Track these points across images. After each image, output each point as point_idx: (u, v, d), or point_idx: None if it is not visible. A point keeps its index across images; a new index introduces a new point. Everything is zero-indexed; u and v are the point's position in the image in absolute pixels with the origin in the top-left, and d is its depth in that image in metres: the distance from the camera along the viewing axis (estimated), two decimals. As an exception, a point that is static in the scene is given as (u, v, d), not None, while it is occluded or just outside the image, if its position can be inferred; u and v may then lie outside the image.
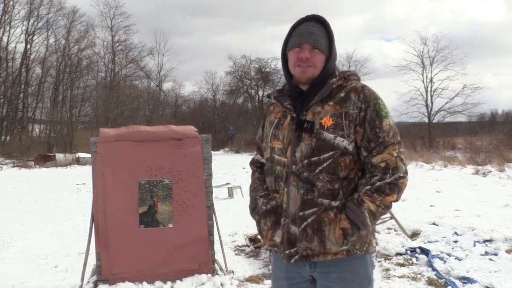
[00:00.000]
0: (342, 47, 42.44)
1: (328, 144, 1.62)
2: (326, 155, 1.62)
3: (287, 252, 1.67)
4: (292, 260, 1.67)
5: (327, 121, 1.64)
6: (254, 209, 1.83)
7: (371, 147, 1.63)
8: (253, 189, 1.90)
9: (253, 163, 2.01)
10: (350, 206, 1.61)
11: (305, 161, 1.64)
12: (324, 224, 1.61)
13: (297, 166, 1.65)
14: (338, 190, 1.63)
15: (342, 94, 1.68)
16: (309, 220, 1.62)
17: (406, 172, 1.64)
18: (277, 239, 1.72)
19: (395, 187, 1.60)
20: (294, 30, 1.75)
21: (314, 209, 1.62)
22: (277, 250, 1.75)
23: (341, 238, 1.60)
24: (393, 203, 1.66)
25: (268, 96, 1.89)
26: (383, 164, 1.61)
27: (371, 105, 1.64)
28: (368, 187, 1.61)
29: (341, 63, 37.96)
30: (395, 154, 1.62)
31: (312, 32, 1.70)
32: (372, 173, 1.63)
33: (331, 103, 1.67)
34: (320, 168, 1.63)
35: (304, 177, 1.64)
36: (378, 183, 1.60)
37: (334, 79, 1.70)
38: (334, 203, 1.62)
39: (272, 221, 1.74)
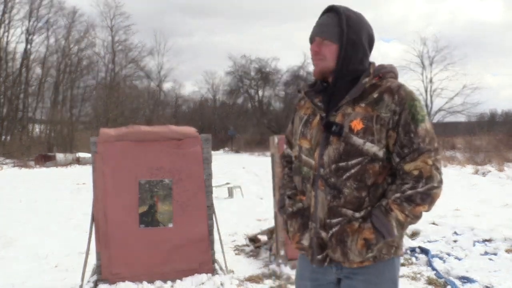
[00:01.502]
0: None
1: (357, 149, 1.53)
2: (354, 161, 1.53)
3: (319, 257, 1.62)
4: (325, 264, 1.62)
5: (357, 125, 1.53)
6: (282, 207, 1.78)
7: (404, 153, 1.51)
8: (282, 185, 1.82)
9: (283, 157, 1.91)
10: (377, 213, 1.52)
11: (333, 166, 1.56)
12: (347, 235, 1.55)
13: (325, 170, 1.57)
14: (365, 198, 1.55)
15: (375, 95, 1.55)
16: (334, 229, 1.58)
17: (441, 182, 1.52)
18: (305, 242, 1.66)
19: (428, 197, 1.49)
20: None
21: (338, 219, 1.57)
22: (305, 254, 1.69)
23: (363, 249, 1.52)
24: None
25: (299, 90, 1.79)
26: (416, 172, 1.50)
27: (406, 107, 1.51)
28: (398, 195, 1.50)
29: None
30: (430, 162, 1.50)
31: (320, 23, 1.64)
32: (404, 180, 1.51)
33: (363, 105, 1.55)
34: (347, 174, 1.54)
35: (332, 182, 1.56)
36: (409, 192, 1.49)
37: (367, 79, 1.57)
38: (358, 214, 1.55)
39: (300, 223, 1.68)
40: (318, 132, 1.62)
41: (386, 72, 1.62)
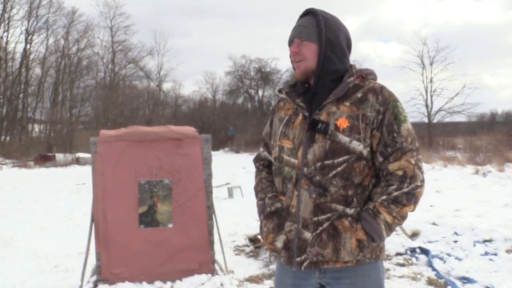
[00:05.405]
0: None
1: (343, 147, 1.53)
2: (341, 159, 1.53)
3: (298, 259, 1.58)
4: (303, 268, 1.58)
5: (343, 123, 1.53)
6: (263, 212, 1.73)
7: (388, 153, 1.53)
8: (261, 190, 1.78)
9: (259, 160, 1.88)
10: (366, 217, 1.51)
11: (318, 164, 1.54)
12: (340, 231, 1.52)
13: (309, 168, 1.55)
14: (352, 197, 1.54)
15: (359, 95, 1.57)
16: (325, 225, 1.53)
17: (423, 181, 1.55)
18: (279, 244, 1.63)
19: (412, 197, 1.52)
20: None
21: (328, 215, 1.53)
22: (277, 256, 1.66)
23: (356, 249, 1.52)
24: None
25: (279, 91, 1.77)
26: (400, 172, 1.52)
27: (389, 107, 1.54)
28: (384, 197, 1.51)
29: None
30: (413, 162, 1.52)
31: (298, 25, 1.66)
32: (389, 182, 1.53)
33: (347, 104, 1.56)
34: (333, 172, 1.53)
35: (317, 180, 1.54)
36: (395, 193, 1.50)
37: (351, 78, 1.59)
38: (349, 211, 1.53)
39: (275, 224, 1.66)
40: (301, 131, 1.61)
41: (368, 74, 1.65)
